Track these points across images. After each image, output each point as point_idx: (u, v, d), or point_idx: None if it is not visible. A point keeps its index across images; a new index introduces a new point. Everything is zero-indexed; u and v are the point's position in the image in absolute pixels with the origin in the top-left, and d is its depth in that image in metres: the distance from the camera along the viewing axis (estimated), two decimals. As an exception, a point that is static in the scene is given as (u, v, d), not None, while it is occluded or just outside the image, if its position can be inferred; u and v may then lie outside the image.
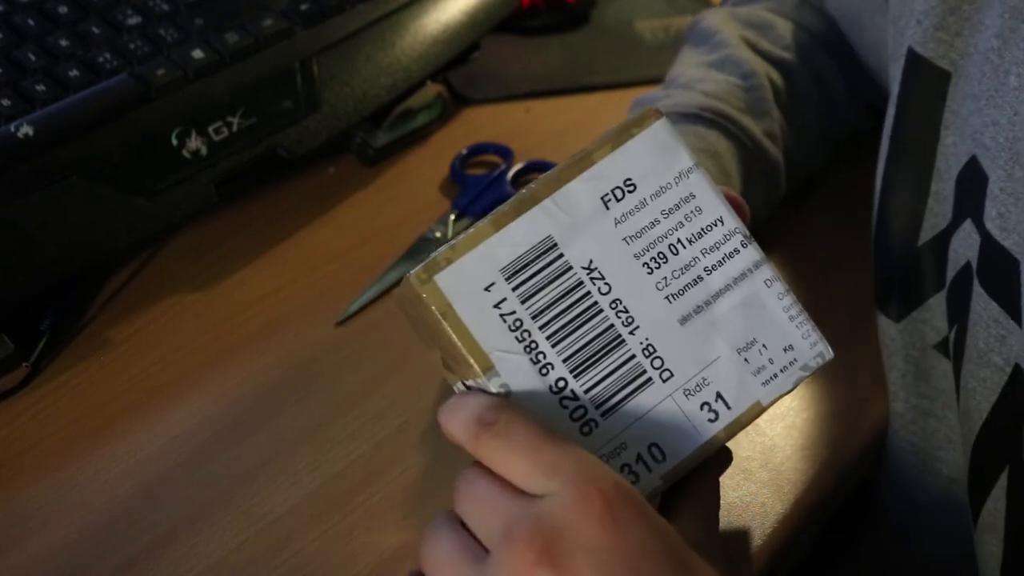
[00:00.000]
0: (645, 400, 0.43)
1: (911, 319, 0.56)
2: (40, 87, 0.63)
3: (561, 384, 0.43)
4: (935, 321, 0.55)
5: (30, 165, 0.60)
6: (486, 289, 0.43)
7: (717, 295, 0.44)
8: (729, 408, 0.43)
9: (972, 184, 0.50)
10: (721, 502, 0.44)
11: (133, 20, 0.67)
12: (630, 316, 0.44)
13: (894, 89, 0.55)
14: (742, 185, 0.60)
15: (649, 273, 0.44)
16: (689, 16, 0.80)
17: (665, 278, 0.44)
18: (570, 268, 0.43)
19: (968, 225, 0.50)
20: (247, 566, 0.50)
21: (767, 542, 0.53)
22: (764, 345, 0.44)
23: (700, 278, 0.44)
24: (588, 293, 0.43)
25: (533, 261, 0.43)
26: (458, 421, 0.40)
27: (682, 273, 0.44)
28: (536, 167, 0.71)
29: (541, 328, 0.43)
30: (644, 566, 0.37)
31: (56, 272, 0.60)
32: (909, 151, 0.54)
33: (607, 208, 0.44)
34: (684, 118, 0.62)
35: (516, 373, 0.42)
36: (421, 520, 0.52)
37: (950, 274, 0.52)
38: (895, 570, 0.64)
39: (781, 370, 0.44)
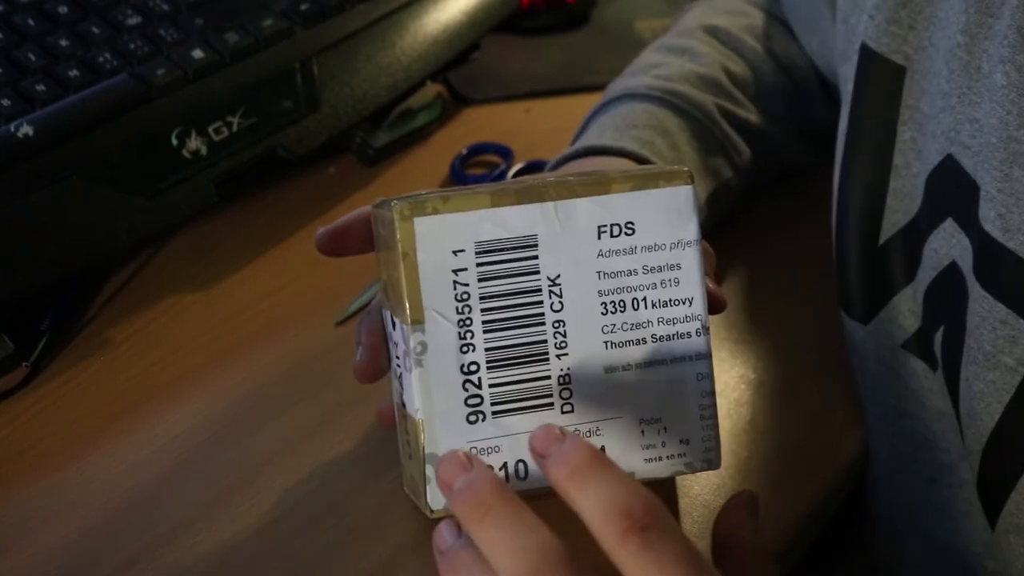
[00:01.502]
0: (537, 420, 0.44)
1: (879, 319, 0.56)
2: (40, 87, 0.63)
3: (473, 368, 0.44)
4: (901, 319, 0.54)
5: (30, 165, 0.60)
6: (454, 252, 0.44)
7: (651, 363, 0.45)
8: None
9: (951, 183, 0.50)
10: (703, 511, 0.45)
11: (133, 20, 0.67)
12: (565, 341, 0.44)
13: (847, 87, 0.55)
14: (699, 157, 0.61)
15: (603, 313, 0.45)
16: (689, 16, 0.80)
17: (615, 325, 0.45)
18: (537, 272, 0.44)
19: (950, 225, 0.50)
20: (247, 566, 0.50)
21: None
22: (665, 428, 0.45)
23: (644, 340, 0.45)
24: (540, 302, 0.44)
25: (509, 250, 0.44)
26: (593, 500, 0.35)
27: (632, 328, 0.45)
28: (536, 167, 0.71)
29: (483, 311, 0.44)
30: None
31: (56, 272, 0.60)
32: (865, 148, 0.54)
33: (599, 238, 0.45)
34: (634, 98, 0.63)
35: (440, 337, 0.44)
36: (421, 521, 0.52)
37: (929, 273, 0.52)
38: (885, 571, 0.64)
39: (668, 456, 0.45)
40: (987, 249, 0.48)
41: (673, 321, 0.45)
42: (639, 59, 0.68)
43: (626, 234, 0.45)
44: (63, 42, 0.65)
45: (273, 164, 0.67)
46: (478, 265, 0.44)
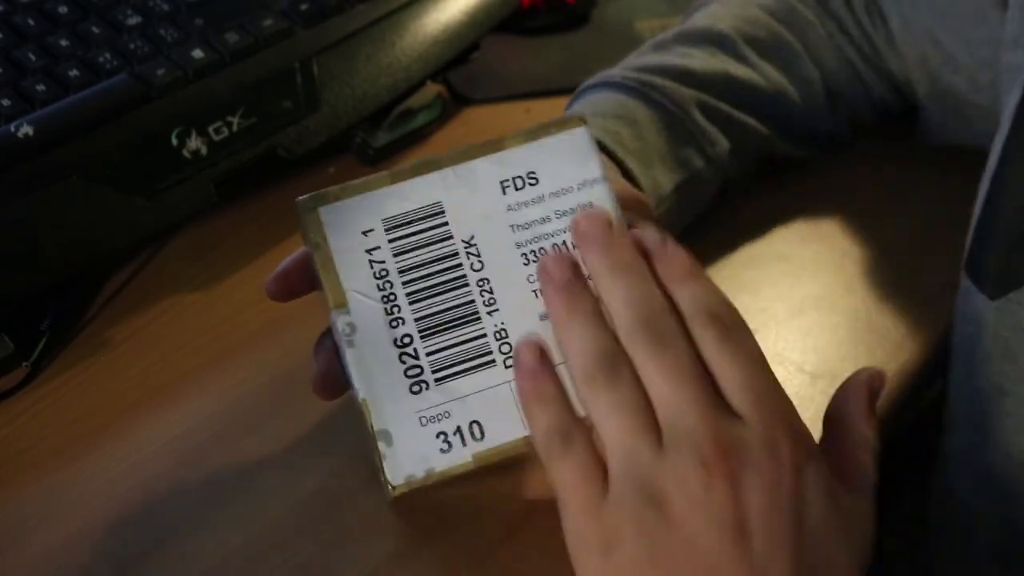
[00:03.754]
0: (483, 379, 0.44)
1: (1008, 300, 0.55)
2: (40, 87, 0.63)
3: (407, 340, 0.44)
4: None
5: (30, 165, 0.60)
6: (364, 233, 0.45)
7: None
8: None
9: None
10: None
11: (133, 20, 0.67)
12: (493, 298, 0.45)
13: (1022, 74, 0.54)
14: (668, 147, 0.61)
15: (525, 264, 0.45)
16: (689, 16, 0.80)
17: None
18: (450, 237, 0.45)
19: None
20: (247, 566, 0.50)
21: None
22: None
23: None
24: (459, 265, 0.45)
25: (417, 220, 0.45)
26: (703, 287, 0.42)
27: None
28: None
29: (405, 284, 0.45)
30: (813, 524, 0.40)
31: (56, 272, 0.60)
32: None
33: (504, 193, 0.46)
34: (609, 87, 0.63)
35: (366, 316, 0.44)
36: (422, 521, 0.52)
37: None
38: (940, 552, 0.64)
39: None
40: None
41: None
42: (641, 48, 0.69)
43: (530, 184, 0.46)
44: (63, 42, 0.65)
45: (273, 164, 0.67)
46: (390, 241, 0.45)
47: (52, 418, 0.57)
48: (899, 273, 0.64)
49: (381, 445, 0.44)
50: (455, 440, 0.44)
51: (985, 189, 0.57)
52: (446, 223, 0.45)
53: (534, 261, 0.45)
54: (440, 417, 0.44)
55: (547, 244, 0.45)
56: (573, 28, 0.85)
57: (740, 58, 0.67)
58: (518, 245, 0.45)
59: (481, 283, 0.45)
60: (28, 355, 0.59)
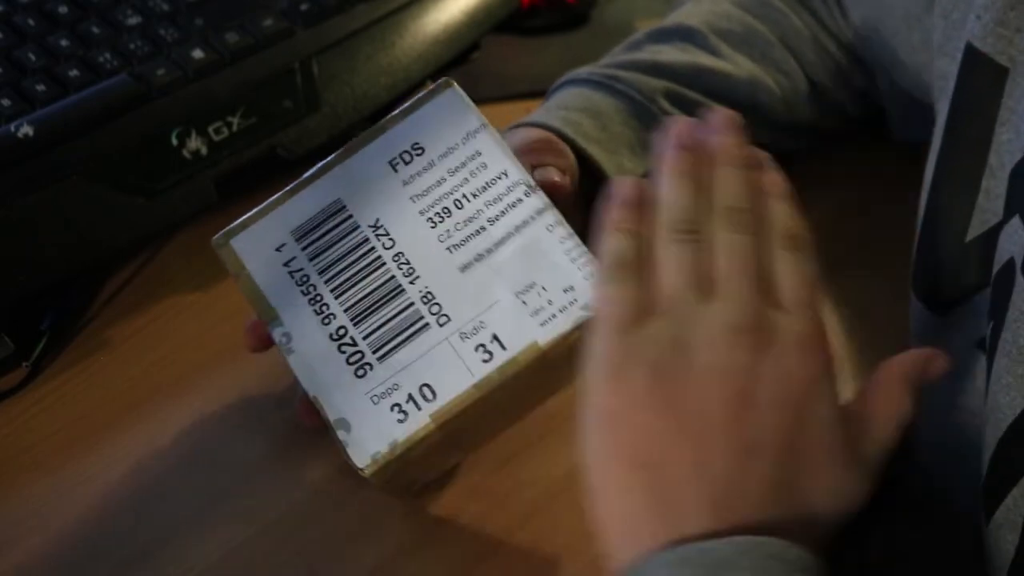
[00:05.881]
0: (422, 344, 0.46)
1: (954, 314, 0.55)
2: (40, 87, 0.63)
3: (341, 332, 0.46)
4: (978, 318, 0.54)
5: (30, 165, 0.60)
6: (277, 250, 0.48)
7: (499, 243, 0.46)
8: (504, 349, 0.45)
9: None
10: None
11: (133, 20, 0.67)
12: (411, 268, 0.47)
13: (948, 83, 0.55)
14: (635, 134, 0.62)
15: (432, 227, 0.47)
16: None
17: (448, 231, 0.47)
18: (357, 227, 0.47)
19: (1016, 221, 0.50)
20: (247, 566, 0.50)
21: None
22: (544, 287, 0.46)
23: (483, 228, 0.47)
24: (372, 248, 0.47)
25: (323, 223, 0.48)
26: (788, 211, 0.44)
27: (465, 225, 0.47)
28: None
29: (327, 282, 0.47)
30: (815, 429, 0.41)
31: (56, 272, 0.60)
32: (963, 147, 0.54)
33: (395, 171, 0.48)
34: (574, 83, 0.64)
35: (299, 322, 0.47)
36: (421, 521, 0.52)
37: (995, 271, 0.52)
38: (915, 555, 0.64)
39: (560, 310, 0.46)
40: None
41: (499, 198, 0.47)
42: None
43: (417, 155, 0.48)
44: (63, 42, 0.65)
45: (273, 164, 0.67)
46: (303, 248, 0.48)
47: (52, 418, 0.57)
48: (901, 270, 0.64)
49: (340, 434, 0.46)
50: (409, 407, 0.45)
51: (923, 209, 0.57)
52: (350, 216, 0.48)
53: (440, 222, 0.47)
54: (390, 391, 0.45)
55: (448, 203, 0.47)
56: (573, 28, 0.85)
57: (711, 51, 0.67)
58: (421, 212, 0.47)
59: (396, 258, 0.47)
60: (28, 355, 0.59)
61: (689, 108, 0.64)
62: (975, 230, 0.54)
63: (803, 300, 0.43)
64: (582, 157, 0.59)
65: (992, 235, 0.53)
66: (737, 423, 0.40)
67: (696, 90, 0.65)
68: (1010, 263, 0.50)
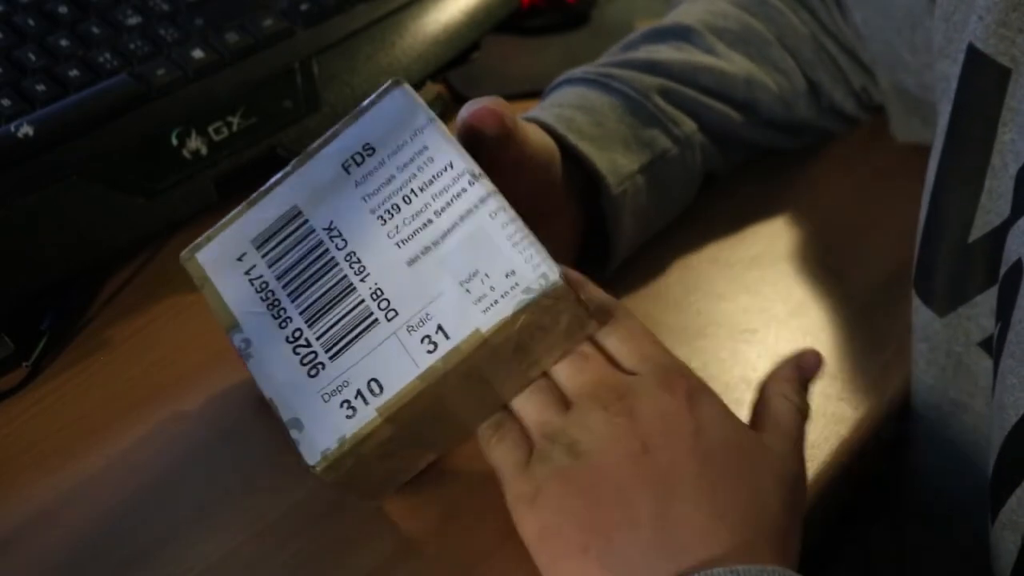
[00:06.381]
0: (371, 340, 0.46)
1: (957, 315, 0.56)
2: (40, 87, 0.63)
3: (297, 334, 0.47)
4: (981, 319, 0.54)
5: (30, 165, 0.60)
6: (238, 259, 0.49)
7: (445, 234, 0.47)
8: (448, 338, 0.45)
9: None
10: None
11: (133, 20, 0.67)
12: (362, 266, 0.47)
13: (950, 84, 0.55)
14: (630, 130, 0.62)
15: (382, 224, 0.48)
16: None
17: (397, 226, 0.48)
18: (312, 231, 0.49)
19: (1023, 223, 0.50)
20: (247, 566, 0.50)
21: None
22: (486, 274, 0.46)
23: (430, 221, 0.47)
24: (327, 251, 0.48)
25: (280, 230, 0.49)
26: (650, 367, 0.47)
27: (412, 219, 0.48)
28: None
29: (284, 287, 0.48)
30: (711, 438, 0.45)
31: (56, 272, 0.60)
32: (965, 147, 0.54)
33: (348, 173, 0.49)
34: (570, 83, 0.64)
35: (257, 328, 0.48)
36: (422, 520, 0.52)
37: (1002, 271, 0.52)
38: (917, 553, 0.64)
39: (502, 296, 0.46)
40: None
41: (445, 190, 0.47)
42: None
43: (368, 156, 0.49)
44: (63, 42, 0.65)
45: (273, 164, 0.67)
46: (263, 256, 0.49)
47: (52, 418, 0.57)
48: (901, 272, 0.64)
49: (293, 433, 0.46)
50: (358, 403, 0.46)
51: (925, 210, 0.57)
52: (306, 220, 0.49)
53: (389, 219, 0.48)
54: (340, 388, 0.46)
55: (397, 199, 0.48)
56: (573, 28, 0.85)
57: (707, 49, 0.67)
58: (372, 211, 0.48)
59: (348, 257, 0.48)
60: (28, 355, 0.59)
61: (685, 105, 0.64)
62: (978, 230, 0.54)
63: (641, 354, 0.47)
64: (573, 154, 0.59)
65: (997, 235, 0.53)
66: (647, 472, 0.44)
67: (692, 87, 0.65)
68: (1017, 264, 0.50)
